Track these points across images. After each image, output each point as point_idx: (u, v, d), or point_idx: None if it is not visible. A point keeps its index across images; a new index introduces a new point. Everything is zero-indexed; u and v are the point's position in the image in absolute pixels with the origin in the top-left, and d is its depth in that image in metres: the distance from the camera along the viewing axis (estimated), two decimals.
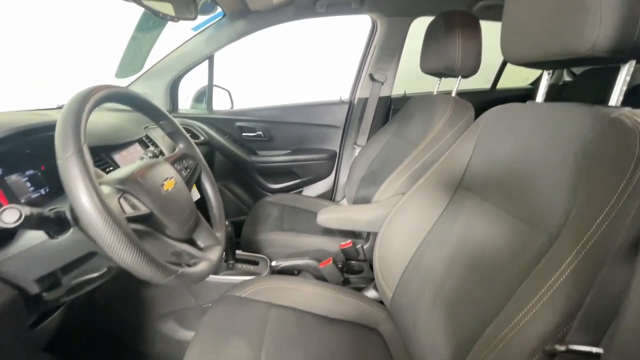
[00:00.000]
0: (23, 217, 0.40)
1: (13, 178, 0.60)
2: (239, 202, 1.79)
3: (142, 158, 0.77)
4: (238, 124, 1.68)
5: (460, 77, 1.12)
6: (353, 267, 1.17)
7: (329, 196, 1.84)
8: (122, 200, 0.47)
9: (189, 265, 0.57)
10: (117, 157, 0.89)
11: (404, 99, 1.70)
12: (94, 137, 0.84)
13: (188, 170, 0.71)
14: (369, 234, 1.19)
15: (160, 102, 1.56)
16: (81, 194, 0.40)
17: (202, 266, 0.57)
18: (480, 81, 1.96)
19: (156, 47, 1.44)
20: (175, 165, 0.68)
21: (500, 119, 0.73)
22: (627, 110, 0.48)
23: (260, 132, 1.70)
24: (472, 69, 1.09)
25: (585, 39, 0.47)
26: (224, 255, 1.06)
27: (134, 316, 0.99)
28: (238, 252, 1.10)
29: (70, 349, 0.96)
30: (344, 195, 1.78)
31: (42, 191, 0.64)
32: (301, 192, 1.84)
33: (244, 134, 1.70)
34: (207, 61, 1.55)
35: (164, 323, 1.00)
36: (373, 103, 1.68)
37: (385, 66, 1.61)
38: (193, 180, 0.72)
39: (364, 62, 1.65)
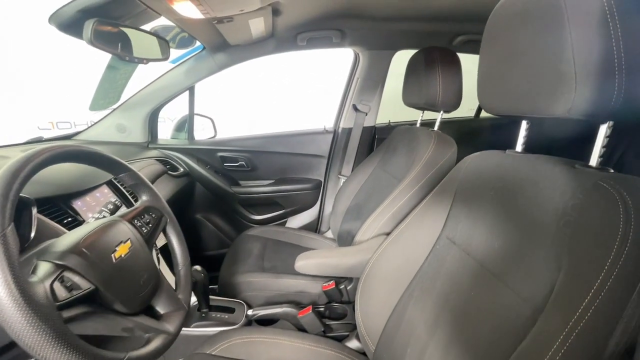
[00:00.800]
0: None
1: None
2: (220, 234, 1.72)
3: (96, 216, 0.71)
4: (220, 154, 1.64)
5: (442, 112, 1.11)
6: (336, 310, 1.10)
7: (314, 227, 1.79)
8: (56, 283, 0.41)
9: (142, 342, 0.51)
10: (79, 203, 0.82)
11: (389, 129, 1.69)
12: (51, 185, 0.79)
13: (150, 225, 0.65)
14: None
15: (138, 133, 1.51)
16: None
17: (155, 343, 0.51)
18: (463, 108, 1.98)
19: (134, 78, 1.41)
20: (135, 221, 0.63)
21: (480, 168, 0.71)
22: (610, 175, 0.45)
23: (243, 162, 1.66)
24: (453, 105, 1.08)
25: (561, 103, 0.45)
26: (195, 304, 0.99)
27: None
28: (213, 297, 1.04)
29: None
30: (329, 227, 1.74)
31: None
32: (285, 222, 1.79)
33: (225, 164, 1.66)
34: (187, 91, 1.52)
35: None
36: (357, 133, 1.66)
37: (368, 97, 1.61)
38: (156, 235, 0.67)
39: (347, 92, 1.64)
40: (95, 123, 1.45)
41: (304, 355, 0.83)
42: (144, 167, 1.28)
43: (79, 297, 0.43)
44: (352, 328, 1.01)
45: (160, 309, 0.59)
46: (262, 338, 0.85)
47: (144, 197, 0.69)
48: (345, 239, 1.27)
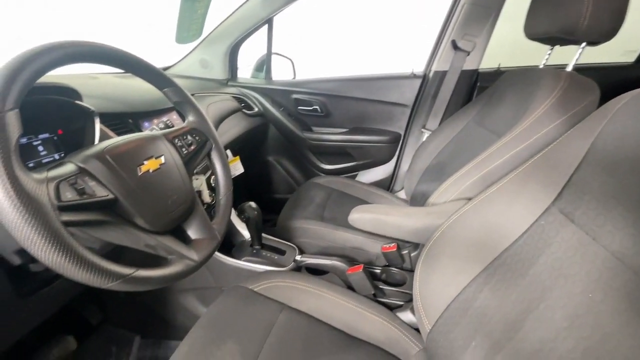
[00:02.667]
0: None
1: (22, 141, 0.58)
2: (289, 178, 1.71)
3: (152, 129, 0.71)
4: (294, 96, 1.56)
5: (584, 44, 0.78)
6: (394, 275, 0.98)
7: (386, 185, 1.62)
8: (65, 183, 0.39)
9: (164, 263, 0.48)
10: (146, 124, 0.85)
11: (497, 74, 1.33)
12: (121, 102, 0.81)
13: (192, 147, 0.61)
14: None
15: (219, 69, 1.52)
16: None
17: (175, 267, 0.47)
18: (613, 52, 1.42)
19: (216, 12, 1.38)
20: (176, 141, 0.59)
21: None
22: None
23: (317, 107, 1.55)
24: (605, 32, 0.73)
25: None
26: (248, 240, 0.98)
27: None
28: (267, 237, 1.02)
29: (105, 305, 1.03)
30: (404, 186, 1.55)
31: (56, 156, 0.62)
32: (355, 176, 1.67)
33: (299, 107, 1.58)
34: (266, 27, 1.44)
35: (185, 297, 0.99)
36: (453, 77, 1.36)
37: (474, 31, 1.27)
38: (198, 158, 0.63)
39: (447, 25, 1.33)
40: (183, 58, 1.50)
41: (346, 314, 0.75)
42: (220, 101, 1.28)
43: (90, 203, 0.41)
44: (409, 299, 0.88)
45: (192, 234, 0.56)
46: (305, 286, 0.79)
47: (190, 118, 0.65)
48: (418, 202, 1.09)
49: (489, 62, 1.35)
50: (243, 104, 1.45)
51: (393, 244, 0.97)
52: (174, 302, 0.99)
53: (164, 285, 0.46)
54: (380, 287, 0.91)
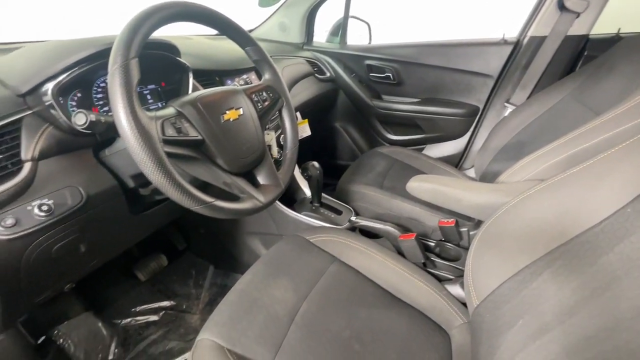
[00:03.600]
0: (88, 122, 0.45)
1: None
2: (354, 146, 1.73)
3: (234, 85, 0.79)
4: (367, 62, 1.53)
5: None
6: (448, 250, 0.96)
7: (455, 161, 1.53)
8: (168, 122, 0.47)
9: (235, 199, 0.56)
10: (229, 82, 0.94)
11: (613, 41, 1.11)
12: (209, 61, 0.91)
13: (266, 103, 0.67)
14: None
15: (296, 33, 1.56)
16: (117, 109, 0.41)
17: (244, 204, 0.55)
18: None
19: None
20: (253, 96, 0.65)
21: None
22: None
23: (389, 74, 1.50)
24: None
25: None
26: (309, 197, 1.06)
27: (231, 225, 1.15)
28: (326, 196, 1.08)
29: (189, 236, 1.23)
30: (474, 165, 1.45)
31: (159, 104, 0.74)
32: (422, 149, 1.61)
33: (371, 74, 1.55)
34: None
35: (251, 239, 1.13)
36: (553, 44, 1.17)
37: None
38: (270, 114, 0.69)
39: None
40: (264, 21, 1.57)
41: (393, 276, 0.78)
42: (294, 64, 1.34)
43: (185, 140, 0.50)
44: (459, 274, 0.87)
45: (260, 179, 0.64)
46: (357, 245, 0.83)
47: (266, 76, 0.71)
48: (488, 182, 1.03)
49: (602, 27, 1.13)
50: (316, 69, 1.48)
51: (452, 219, 0.95)
52: (242, 242, 1.14)
53: (234, 217, 0.54)
54: (432, 259, 0.91)
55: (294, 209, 1.03)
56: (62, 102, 0.55)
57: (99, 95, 0.63)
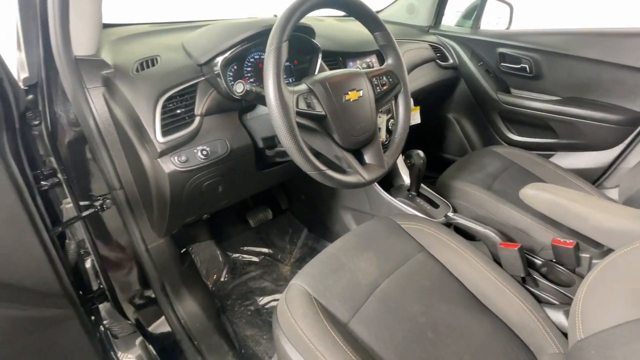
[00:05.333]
0: (244, 91, 0.57)
1: None
2: (465, 141, 1.61)
3: (356, 67, 0.83)
4: (500, 49, 1.37)
5: None
6: (558, 275, 0.85)
7: (593, 177, 1.28)
8: (301, 97, 0.56)
9: (342, 172, 0.63)
10: (351, 63, 1.00)
11: None
12: (336, 42, 0.98)
13: (384, 87, 0.70)
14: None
15: (424, 15, 1.51)
16: (268, 81, 0.51)
17: (350, 177, 0.62)
18: None
19: None
20: (374, 79, 0.69)
21: None
22: None
23: (526, 65, 1.32)
24: None
25: None
26: (407, 185, 1.06)
27: (330, 197, 1.25)
28: (425, 187, 1.07)
29: (291, 199, 1.39)
30: (619, 184, 1.18)
31: (290, 79, 0.86)
32: (551, 157, 1.38)
33: (503, 63, 1.38)
34: None
35: (345, 213, 1.21)
36: None
37: None
38: (387, 98, 0.72)
39: None
40: (392, 3, 1.56)
41: (483, 281, 0.74)
42: (416, 48, 1.31)
43: (311, 114, 0.58)
44: (566, 301, 0.77)
45: (367, 158, 0.69)
46: (449, 241, 0.82)
47: (389, 61, 0.73)
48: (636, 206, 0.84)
49: None
50: (439, 54, 1.41)
51: (571, 240, 0.83)
52: (336, 214, 1.24)
53: (338, 187, 0.61)
54: (534, 276, 0.83)
55: (390, 194, 1.06)
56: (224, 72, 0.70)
57: (249, 69, 0.77)
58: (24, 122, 0.63)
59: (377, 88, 0.70)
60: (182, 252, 1.02)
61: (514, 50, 1.33)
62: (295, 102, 0.55)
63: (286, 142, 0.52)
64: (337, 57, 0.96)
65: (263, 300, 1.12)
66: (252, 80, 0.78)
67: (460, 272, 0.76)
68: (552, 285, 0.81)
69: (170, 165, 0.65)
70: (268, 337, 1.01)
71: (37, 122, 0.66)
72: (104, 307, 0.89)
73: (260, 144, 0.77)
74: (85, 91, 0.65)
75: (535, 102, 1.33)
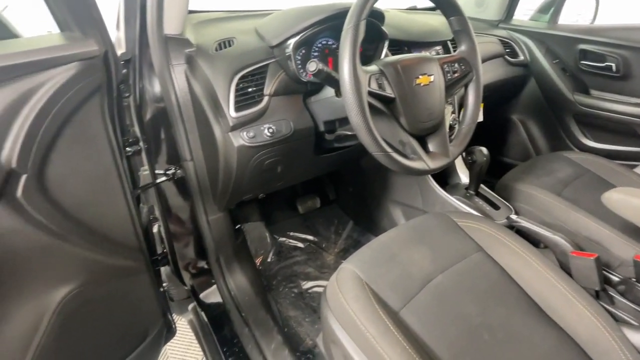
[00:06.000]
0: (317, 69, 0.58)
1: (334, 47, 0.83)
2: (529, 145, 1.49)
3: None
4: (581, 46, 1.24)
5: None
6: (637, 292, 0.76)
7: None
8: (373, 77, 0.56)
9: (406, 157, 0.62)
10: (415, 52, 0.97)
11: None
12: (402, 31, 0.96)
13: (456, 74, 0.68)
14: None
15: (495, 8, 1.43)
16: (344, 59, 0.52)
17: (413, 163, 0.60)
18: None
19: None
20: (445, 66, 0.67)
21: None
22: None
23: (612, 64, 1.18)
24: None
25: None
26: (464, 184, 1.01)
27: (379, 189, 1.23)
28: (485, 188, 1.01)
29: (339, 191, 1.40)
30: None
31: None
32: (635, 167, 1.23)
33: (583, 61, 1.26)
34: None
35: (394, 208, 1.19)
36: None
37: None
38: (457, 86, 0.69)
39: None
40: None
41: (548, 290, 0.68)
42: (484, 42, 1.25)
43: (381, 95, 0.58)
44: None
45: (431, 146, 0.67)
46: (511, 243, 0.76)
47: (462, 47, 0.70)
48: None
49: None
50: (508, 50, 1.32)
51: None
52: (385, 207, 1.22)
53: (401, 171, 0.60)
54: (611, 293, 0.74)
55: (446, 191, 1.01)
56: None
57: (316, 54, 0.79)
58: (118, 92, 0.70)
59: (448, 75, 0.67)
60: (236, 228, 1.08)
61: (598, 47, 1.20)
62: (367, 82, 0.55)
63: (356, 120, 0.53)
64: (402, 46, 0.94)
65: (307, 285, 1.14)
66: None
67: (521, 278, 0.71)
68: (631, 305, 0.72)
69: (239, 139, 0.69)
70: (310, 320, 1.03)
71: (127, 95, 0.74)
72: (164, 271, 0.97)
73: (322, 127, 0.79)
74: (170, 67, 0.71)
75: (621, 105, 1.19)
